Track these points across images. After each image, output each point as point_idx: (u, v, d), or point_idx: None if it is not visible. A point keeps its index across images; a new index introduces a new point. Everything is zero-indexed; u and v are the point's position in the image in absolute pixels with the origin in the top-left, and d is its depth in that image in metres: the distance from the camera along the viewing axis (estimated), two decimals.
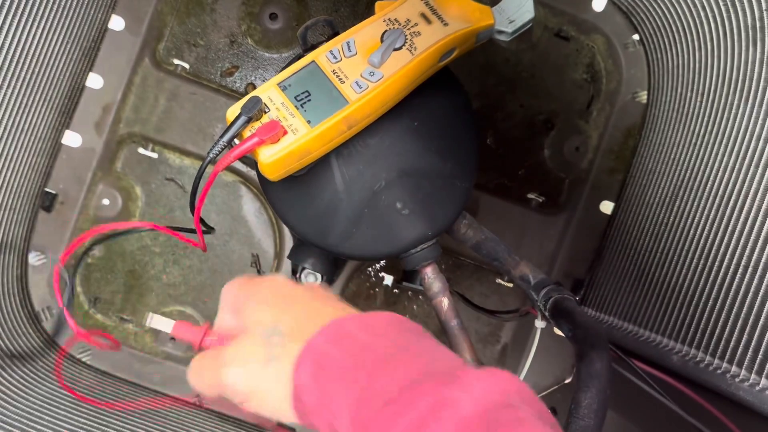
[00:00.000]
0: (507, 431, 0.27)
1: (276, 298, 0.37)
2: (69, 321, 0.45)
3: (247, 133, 0.44)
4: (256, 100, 0.44)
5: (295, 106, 0.45)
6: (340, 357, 0.32)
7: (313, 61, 0.47)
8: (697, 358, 0.53)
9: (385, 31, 0.47)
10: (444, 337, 0.77)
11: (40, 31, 0.62)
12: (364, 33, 0.48)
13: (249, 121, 0.43)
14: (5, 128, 0.63)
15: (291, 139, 0.44)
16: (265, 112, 0.45)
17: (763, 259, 0.49)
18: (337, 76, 0.46)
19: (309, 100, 0.45)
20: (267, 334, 0.35)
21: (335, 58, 0.47)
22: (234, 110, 0.44)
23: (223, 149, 0.44)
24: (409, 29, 0.48)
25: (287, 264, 0.75)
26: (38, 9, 0.61)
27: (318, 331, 0.33)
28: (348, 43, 0.47)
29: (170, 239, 0.75)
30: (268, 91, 0.45)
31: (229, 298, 0.39)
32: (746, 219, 0.52)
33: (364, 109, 0.46)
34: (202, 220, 0.49)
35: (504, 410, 0.28)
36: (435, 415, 0.28)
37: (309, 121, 0.45)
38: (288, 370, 0.34)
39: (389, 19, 0.48)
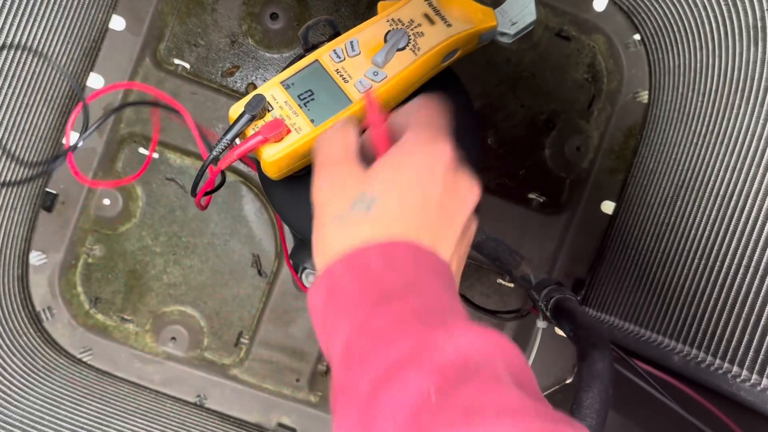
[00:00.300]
0: (479, 386, 0.27)
1: (404, 182, 0.36)
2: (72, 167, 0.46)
3: (250, 132, 0.44)
4: (260, 98, 0.43)
5: (299, 105, 0.45)
6: (350, 288, 0.33)
7: (317, 60, 0.47)
8: (699, 358, 0.53)
9: (389, 31, 0.47)
10: None
11: (40, 31, 0.62)
12: (368, 33, 0.48)
13: (252, 119, 0.43)
14: (6, 128, 0.63)
15: (294, 137, 0.44)
16: (269, 111, 0.45)
17: (764, 259, 0.49)
18: (341, 76, 0.46)
19: (312, 99, 0.45)
20: (359, 199, 0.36)
21: (339, 57, 0.47)
22: (237, 108, 0.44)
23: (226, 147, 0.44)
24: (412, 29, 0.48)
25: (288, 266, 0.75)
26: (38, 9, 0.61)
27: (340, 257, 0.34)
28: (351, 42, 0.47)
29: (171, 239, 0.75)
30: (271, 89, 0.45)
31: (404, 120, 0.39)
32: (747, 219, 0.52)
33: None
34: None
35: (482, 368, 0.28)
36: (414, 357, 0.28)
37: (312, 120, 0.45)
38: (335, 235, 0.36)
39: (392, 20, 0.48)
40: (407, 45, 0.47)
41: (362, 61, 0.46)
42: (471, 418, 0.26)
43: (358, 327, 0.32)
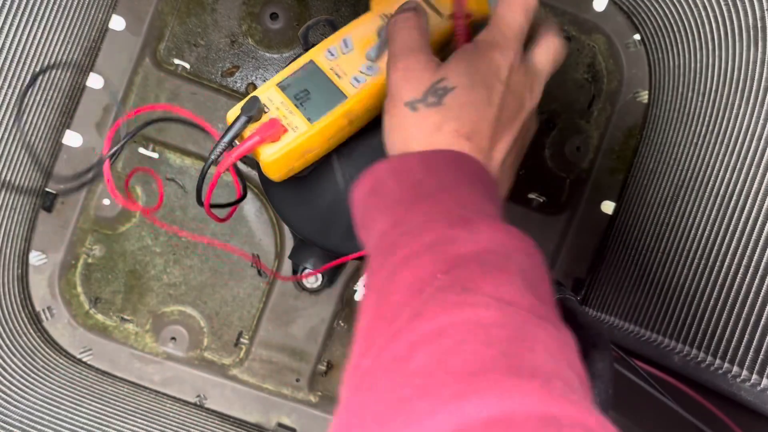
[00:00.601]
0: (483, 273, 0.30)
1: (477, 79, 0.39)
2: (107, 173, 0.47)
3: (247, 134, 0.44)
4: (255, 100, 0.44)
5: (295, 105, 0.45)
6: (391, 190, 0.36)
7: (311, 60, 0.47)
8: (699, 358, 0.53)
9: (381, 26, 0.48)
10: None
11: (40, 31, 0.62)
12: (361, 29, 0.48)
13: (249, 121, 0.43)
14: (5, 128, 0.63)
15: (291, 136, 0.44)
16: (265, 112, 0.45)
17: (764, 259, 0.49)
18: (335, 73, 0.46)
19: (308, 98, 0.46)
20: (432, 89, 0.39)
21: (333, 55, 0.47)
22: (234, 112, 0.44)
23: (223, 150, 0.44)
24: None
25: (288, 264, 0.75)
26: (38, 9, 0.61)
27: (387, 160, 0.38)
28: (345, 40, 0.48)
29: (171, 239, 0.75)
30: (267, 91, 0.46)
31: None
32: (747, 219, 0.52)
33: (363, 102, 0.46)
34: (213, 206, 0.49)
35: (493, 260, 0.31)
36: (431, 247, 0.32)
37: (309, 118, 0.45)
38: (409, 127, 0.39)
39: (385, 15, 0.48)
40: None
41: (356, 57, 0.47)
42: (465, 296, 0.28)
43: (392, 223, 0.35)
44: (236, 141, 0.45)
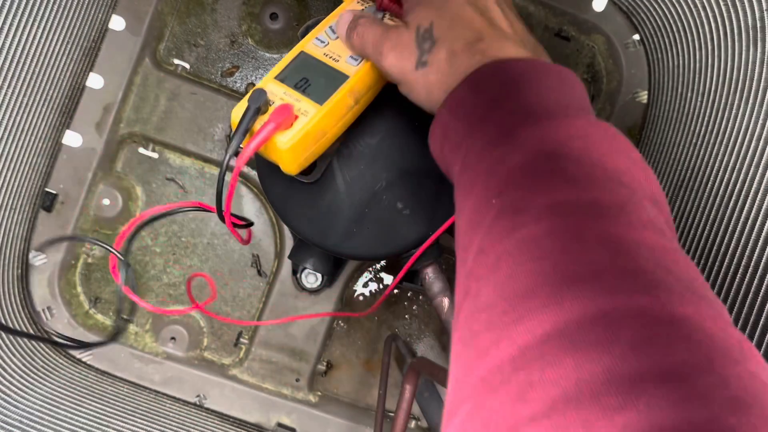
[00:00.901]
0: (540, 179, 0.30)
1: (450, 3, 0.41)
2: (136, 299, 0.47)
3: (258, 126, 0.44)
4: (261, 91, 0.44)
5: (299, 92, 0.45)
6: (454, 128, 0.38)
7: (302, 51, 0.47)
8: None
9: (362, 9, 0.49)
10: (444, 337, 0.77)
11: (40, 31, 0.62)
12: None
13: (258, 112, 0.43)
14: (5, 128, 0.63)
15: (304, 120, 0.44)
16: (270, 105, 0.45)
17: (763, 259, 0.49)
18: (330, 57, 0.47)
19: (309, 85, 0.46)
20: (422, 35, 0.41)
21: (323, 42, 0.48)
22: (239, 109, 0.44)
23: (239, 144, 0.43)
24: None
25: (288, 264, 0.75)
26: (38, 9, 0.61)
27: (440, 109, 0.39)
28: (331, 27, 0.49)
29: (171, 239, 0.75)
30: (267, 85, 0.46)
31: None
32: (746, 219, 0.52)
33: (365, 79, 0.47)
34: (236, 216, 0.48)
35: (544, 160, 0.31)
36: (486, 172, 0.33)
37: (317, 102, 0.45)
38: (432, 80, 0.40)
39: (361, 0, 0.50)
40: (383, 16, 0.48)
41: None
42: (517, 217, 0.29)
43: (461, 162, 0.36)
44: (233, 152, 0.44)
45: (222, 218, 0.45)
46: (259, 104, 0.43)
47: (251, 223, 0.49)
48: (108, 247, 0.44)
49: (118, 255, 0.46)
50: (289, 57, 0.48)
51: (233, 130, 0.45)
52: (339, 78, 0.46)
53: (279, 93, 0.45)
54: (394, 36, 0.43)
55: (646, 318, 0.24)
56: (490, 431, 0.24)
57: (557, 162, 0.30)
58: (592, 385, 0.22)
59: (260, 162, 0.54)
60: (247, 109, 0.43)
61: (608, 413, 0.21)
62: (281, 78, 0.46)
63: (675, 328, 0.24)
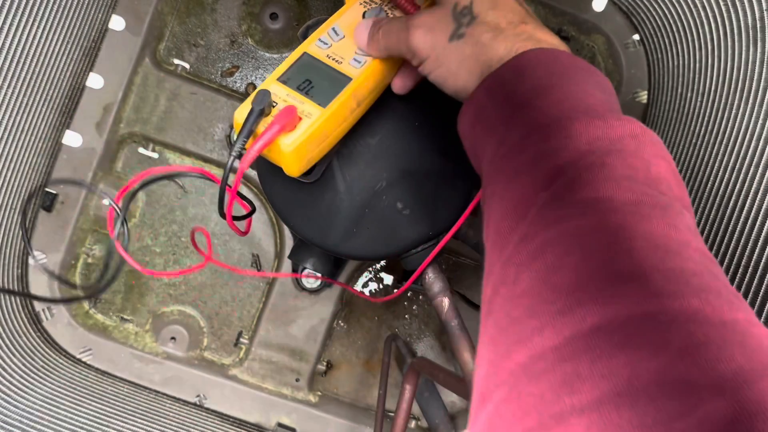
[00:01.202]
0: (587, 175, 0.30)
1: None
2: (123, 254, 0.46)
3: (261, 128, 0.43)
4: (265, 92, 0.43)
5: (302, 94, 0.45)
6: (490, 111, 0.37)
7: (305, 53, 0.47)
8: None
9: (365, 11, 0.48)
10: (444, 337, 0.77)
11: (40, 31, 0.62)
12: (346, 17, 0.49)
13: (261, 114, 0.43)
14: (5, 128, 0.63)
15: (308, 122, 0.44)
16: (273, 107, 0.45)
17: (763, 259, 0.49)
18: (333, 59, 0.47)
19: (312, 87, 0.46)
20: (460, 11, 0.40)
21: (325, 44, 0.48)
22: (243, 110, 0.44)
23: (243, 147, 0.43)
24: (386, 5, 0.49)
25: (288, 264, 0.75)
26: (38, 9, 0.61)
27: (478, 89, 0.38)
28: (333, 28, 0.48)
29: (171, 239, 0.75)
30: (271, 86, 0.46)
31: None
32: (746, 219, 0.52)
33: (368, 81, 0.47)
34: (241, 196, 0.48)
35: (592, 157, 0.31)
36: (533, 164, 0.32)
37: (320, 104, 0.45)
38: (467, 52, 0.39)
39: (365, 1, 0.49)
40: (387, 14, 0.48)
41: (349, 42, 0.48)
42: (564, 209, 0.29)
43: (496, 145, 0.35)
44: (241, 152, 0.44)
45: (223, 216, 0.45)
46: (263, 106, 0.43)
47: (253, 210, 0.48)
48: (109, 199, 0.44)
49: (117, 207, 0.45)
50: (291, 58, 0.47)
51: (236, 131, 0.44)
52: (342, 80, 0.46)
53: (282, 95, 0.45)
54: (425, 15, 0.42)
55: (698, 321, 0.24)
56: (530, 417, 0.24)
57: (604, 160, 0.30)
58: (646, 384, 0.22)
59: (260, 162, 0.54)
60: (251, 110, 0.43)
61: (665, 418, 0.21)
62: (284, 80, 0.46)
63: (728, 333, 0.24)
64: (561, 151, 0.31)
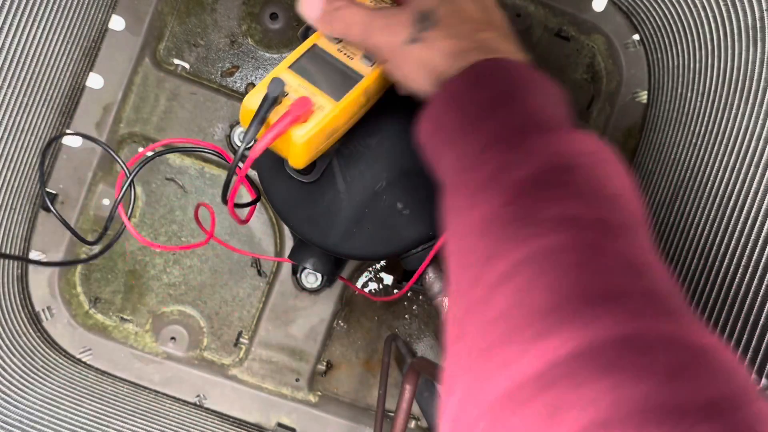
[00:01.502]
0: (541, 198, 0.29)
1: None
2: (127, 222, 0.45)
3: (274, 117, 0.42)
4: (279, 81, 0.42)
5: (314, 86, 0.45)
6: (449, 121, 0.36)
7: (316, 44, 0.47)
8: None
9: (376, 5, 0.48)
10: (444, 338, 0.78)
11: (40, 31, 0.62)
12: None
13: (275, 102, 0.42)
14: (5, 128, 0.63)
15: (320, 115, 0.43)
16: (285, 95, 0.44)
17: (763, 259, 0.49)
18: (345, 54, 0.47)
19: (325, 79, 0.45)
20: (420, 15, 0.40)
21: (336, 39, 0.47)
22: (253, 97, 0.43)
23: (255, 134, 0.42)
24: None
25: (288, 264, 0.75)
26: (38, 9, 0.61)
27: (435, 96, 0.38)
28: None
29: (171, 239, 0.75)
30: (282, 74, 0.45)
31: None
32: (746, 219, 0.52)
33: (379, 80, 0.47)
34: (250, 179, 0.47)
35: (555, 173, 0.30)
36: (491, 179, 0.31)
37: (333, 98, 0.44)
38: (424, 56, 0.39)
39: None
40: None
41: None
42: (531, 226, 0.28)
43: (455, 157, 0.35)
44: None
45: (225, 201, 0.45)
46: (278, 94, 0.41)
47: (258, 198, 0.48)
48: (119, 161, 0.44)
49: (126, 170, 0.45)
50: (302, 48, 0.46)
51: (243, 119, 0.43)
52: (354, 76, 0.45)
53: (294, 84, 0.44)
54: (388, 13, 0.42)
55: (678, 345, 0.23)
56: None
57: (568, 176, 0.30)
58: (633, 411, 0.22)
59: (261, 162, 0.54)
60: (266, 97, 0.41)
61: None
62: (296, 69, 0.45)
63: (708, 358, 0.23)
64: (522, 165, 0.31)
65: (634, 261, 0.27)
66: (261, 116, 0.41)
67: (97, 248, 0.75)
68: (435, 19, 0.40)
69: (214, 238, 0.52)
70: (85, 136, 0.48)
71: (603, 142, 0.33)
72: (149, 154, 0.48)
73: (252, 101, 0.43)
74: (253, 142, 0.42)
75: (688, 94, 0.66)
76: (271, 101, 0.41)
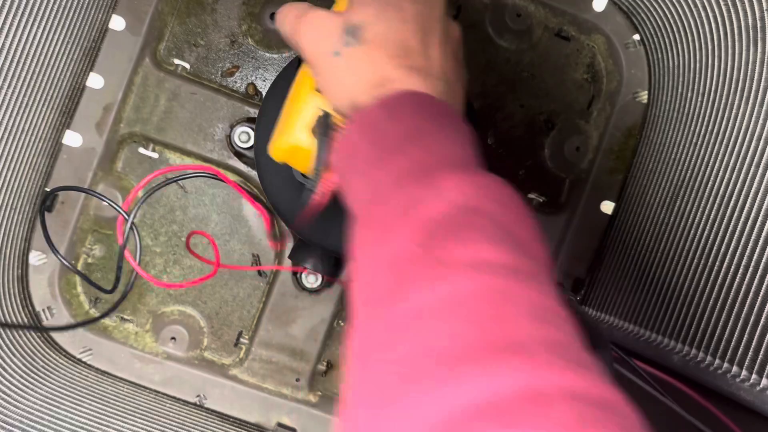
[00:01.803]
0: (457, 238, 0.29)
1: (394, 13, 0.39)
2: (135, 265, 0.45)
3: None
4: (327, 116, 0.41)
5: None
6: (362, 149, 0.36)
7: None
8: (698, 358, 0.53)
9: None
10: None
11: (40, 31, 0.62)
12: None
13: (330, 141, 0.40)
14: (5, 128, 0.63)
15: None
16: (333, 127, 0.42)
17: (764, 259, 0.49)
18: None
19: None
20: (348, 28, 0.38)
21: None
22: (297, 133, 0.42)
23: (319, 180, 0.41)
24: None
25: (288, 264, 0.75)
26: (38, 9, 0.61)
27: (352, 122, 0.37)
28: None
29: (171, 239, 0.75)
30: (316, 99, 0.42)
31: None
32: (746, 219, 0.52)
33: None
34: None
35: (466, 219, 0.30)
36: (401, 215, 0.31)
37: None
38: (342, 74, 0.38)
39: None
40: None
41: None
42: (439, 268, 0.27)
43: (367, 188, 0.34)
44: None
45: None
46: (330, 131, 0.40)
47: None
48: (115, 206, 0.44)
49: (124, 215, 0.45)
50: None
51: (290, 156, 0.42)
52: None
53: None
54: (322, 15, 0.40)
55: (580, 399, 0.23)
56: None
57: (479, 218, 0.29)
58: None
59: (261, 163, 0.54)
60: (321, 141, 0.40)
61: None
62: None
63: (608, 414, 0.23)
64: (432, 203, 0.30)
65: (544, 309, 0.26)
66: (322, 165, 0.40)
67: (96, 250, 0.75)
68: (361, 37, 0.38)
69: (222, 265, 0.51)
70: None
71: (510, 185, 0.33)
72: (140, 194, 0.47)
73: (298, 137, 0.41)
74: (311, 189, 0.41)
75: (688, 94, 0.66)
76: (327, 144, 0.40)
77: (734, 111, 0.56)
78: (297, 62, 0.47)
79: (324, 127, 0.40)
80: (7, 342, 0.67)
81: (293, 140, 0.42)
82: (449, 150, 0.34)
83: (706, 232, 0.57)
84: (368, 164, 0.35)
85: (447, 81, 0.39)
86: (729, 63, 0.58)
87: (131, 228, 0.44)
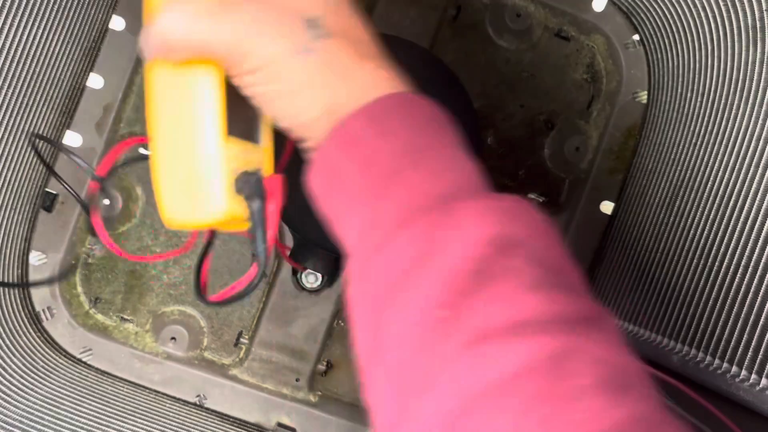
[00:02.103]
0: (491, 295, 0.23)
1: None
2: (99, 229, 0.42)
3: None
4: (255, 176, 0.35)
5: (248, 142, 0.38)
6: (350, 173, 0.29)
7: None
8: (698, 358, 0.54)
9: None
10: None
11: (40, 31, 0.62)
12: None
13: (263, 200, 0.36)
14: (5, 128, 0.63)
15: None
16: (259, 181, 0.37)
17: (763, 259, 0.49)
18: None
19: (235, 125, 0.39)
20: (309, 23, 0.30)
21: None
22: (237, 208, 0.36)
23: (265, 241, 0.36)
24: None
25: (288, 264, 0.75)
26: (38, 9, 0.61)
27: (329, 136, 0.29)
28: None
29: (171, 239, 0.75)
30: (228, 149, 0.34)
31: None
32: (746, 219, 0.52)
33: None
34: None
35: (498, 256, 0.24)
36: (420, 265, 0.25)
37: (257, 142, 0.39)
38: (316, 74, 0.30)
39: None
40: None
41: None
42: (478, 345, 0.22)
43: (363, 223, 0.28)
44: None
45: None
46: (260, 191, 0.34)
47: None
48: (80, 161, 0.39)
49: (97, 177, 0.41)
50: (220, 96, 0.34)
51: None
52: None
53: (243, 155, 0.35)
54: (277, 4, 0.30)
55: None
56: None
57: (512, 260, 0.24)
58: None
59: None
60: (256, 207, 0.34)
61: None
62: (232, 132, 0.34)
63: None
64: (454, 247, 0.24)
65: (611, 370, 0.23)
66: (263, 229, 0.35)
67: (96, 250, 0.75)
68: (326, 27, 0.30)
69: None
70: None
71: (528, 202, 0.27)
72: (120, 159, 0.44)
73: (220, 208, 0.34)
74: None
75: (688, 94, 0.66)
76: (262, 206, 0.34)
77: (734, 111, 0.56)
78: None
79: (255, 187, 0.33)
80: (7, 342, 0.67)
81: (214, 213, 0.34)
82: (455, 168, 0.28)
83: (706, 232, 0.57)
84: (361, 193, 0.28)
85: (389, 60, 0.32)
86: (729, 63, 0.58)
87: (104, 193, 0.41)
